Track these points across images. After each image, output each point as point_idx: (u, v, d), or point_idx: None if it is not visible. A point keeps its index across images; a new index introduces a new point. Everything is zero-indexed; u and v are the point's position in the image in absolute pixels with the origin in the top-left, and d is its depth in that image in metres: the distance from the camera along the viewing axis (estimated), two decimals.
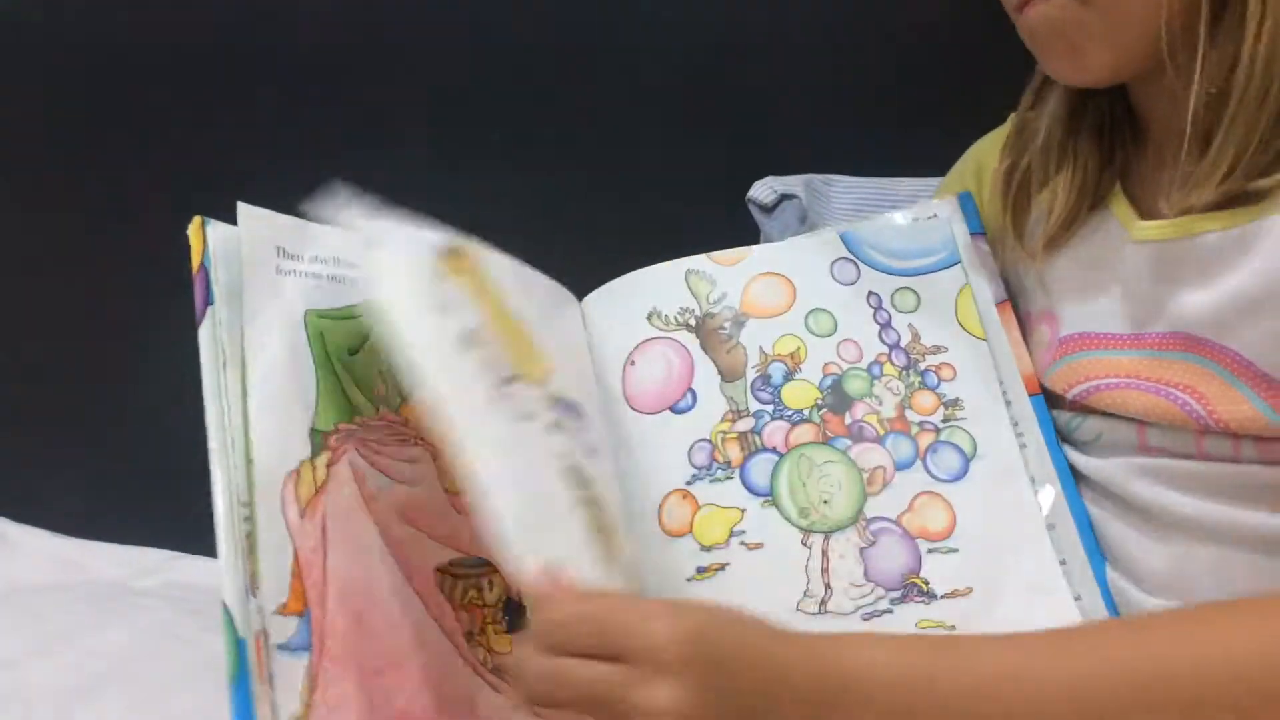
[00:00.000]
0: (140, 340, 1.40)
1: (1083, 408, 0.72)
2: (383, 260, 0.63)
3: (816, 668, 0.55)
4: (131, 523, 1.39)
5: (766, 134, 1.16)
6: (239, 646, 0.55)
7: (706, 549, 0.72)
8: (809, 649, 0.56)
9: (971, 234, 0.83)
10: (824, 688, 0.54)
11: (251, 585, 0.56)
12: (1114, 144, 0.74)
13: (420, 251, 0.66)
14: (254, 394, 0.61)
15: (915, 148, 0.94)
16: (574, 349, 0.79)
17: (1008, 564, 0.72)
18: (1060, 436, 0.74)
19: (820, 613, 0.69)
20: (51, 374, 1.42)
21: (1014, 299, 0.80)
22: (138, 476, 1.40)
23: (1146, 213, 0.71)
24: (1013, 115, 0.79)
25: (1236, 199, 0.62)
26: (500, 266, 0.73)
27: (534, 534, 0.55)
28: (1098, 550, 0.73)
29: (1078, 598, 0.71)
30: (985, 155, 0.84)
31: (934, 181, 0.93)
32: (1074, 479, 0.75)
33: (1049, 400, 0.75)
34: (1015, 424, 0.76)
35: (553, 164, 1.21)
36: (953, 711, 0.55)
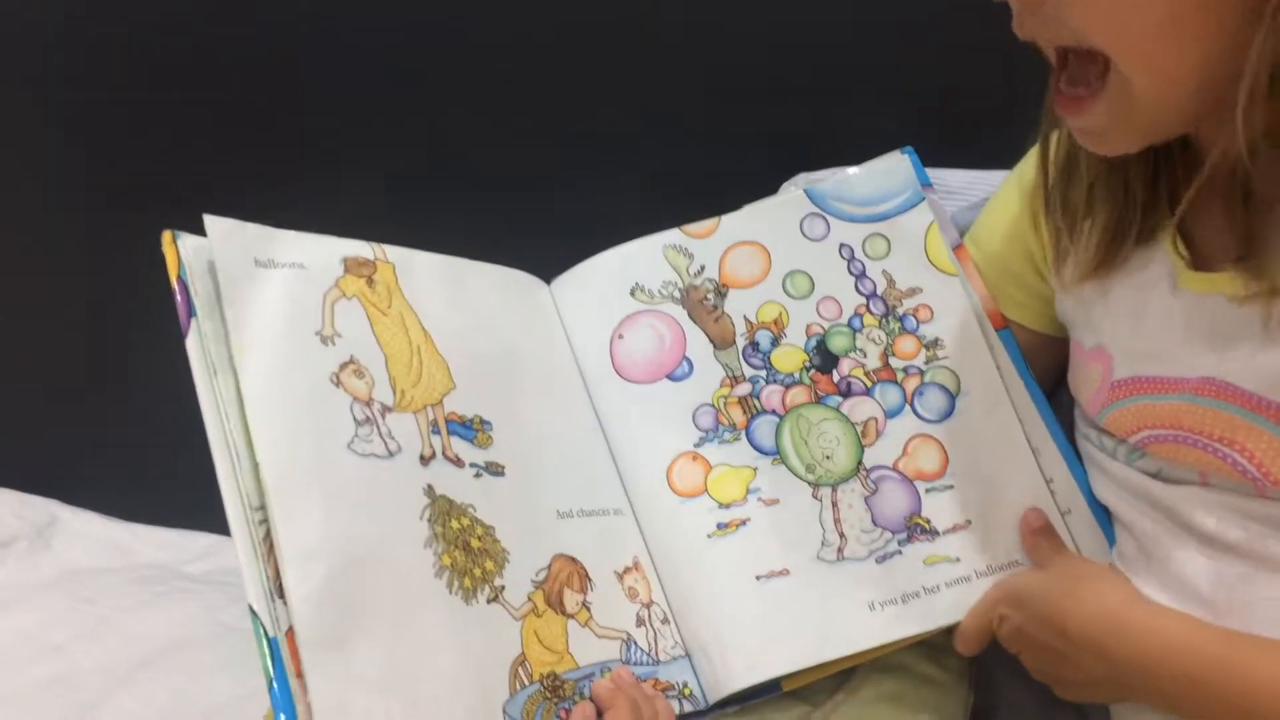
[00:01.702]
0: None
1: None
2: (275, 288, 0.63)
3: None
4: (182, 506, 1.33)
5: (795, 130, 1.09)
6: (272, 646, 0.54)
7: (724, 506, 0.71)
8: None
9: (921, 185, 0.80)
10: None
11: (276, 586, 0.55)
12: (1163, 172, 0.65)
13: (319, 272, 0.66)
14: (250, 399, 0.59)
15: (949, 142, 0.88)
16: (534, 335, 0.76)
17: (999, 493, 0.72)
18: (1115, 458, 0.69)
19: (839, 560, 0.70)
20: (104, 356, 1.38)
21: (1070, 326, 0.73)
22: (189, 460, 1.38)
23: (1199, 253, 0.63)
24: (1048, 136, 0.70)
25: None
26: (431, 272, 0.72)
27: (349, 587, 0.57)
28: (1080, 465, 0.72)
29: (1067, 512, 0.71)
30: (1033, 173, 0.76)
31: (973, 175, 0.89)
32: (1049, 404, 0.74)
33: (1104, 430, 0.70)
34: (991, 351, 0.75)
35: (575, 163, 1.16)
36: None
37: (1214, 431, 0.60)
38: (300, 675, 0.54)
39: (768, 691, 0.69)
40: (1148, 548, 0.65)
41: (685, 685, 0.68)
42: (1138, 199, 0.65)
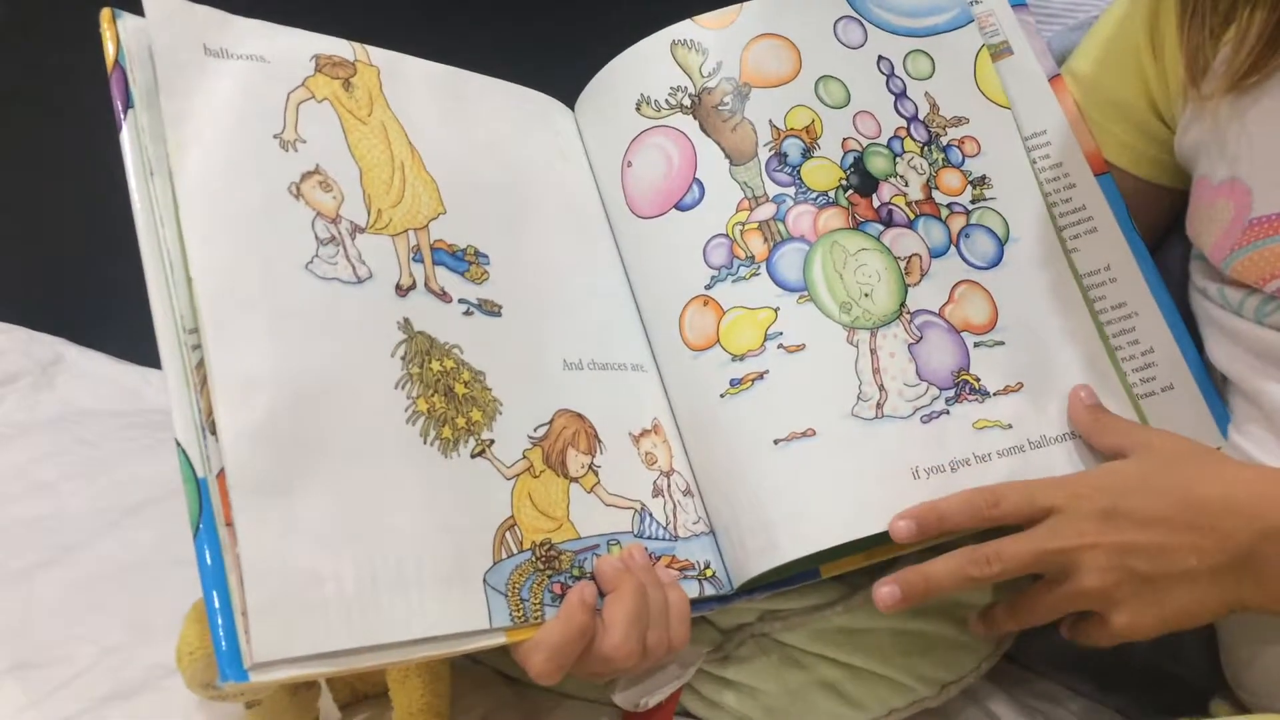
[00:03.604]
0: None
1: None
2: (227, 82, 0.54)
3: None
4: None
5: None
6: (200, 488, 0.46)
7: (738, 358, 0.59)
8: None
9: (1014, 5, 0.68)
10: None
11: (210, 422, 0.47)
12: None
13: (283, 68, 0.56)
14: (186, 202, 0.50)
15: None
16: (549, 164, 0.66)
17: (1054, 355, 0.61)
18: (1242, 314, 0.58)
19: (878, 417, 0.57)
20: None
21: (1194, 162, 0.62)
22: None
23: None
24: None
25: None
26: (426, 81, 0.62)
27: (298, 425, 0.48)
28: (1187, 333, 0.62)
29: (1169, 387, 0.61)
30: None
31: None
32: (1153, 262, 0.64)
33: (1229, 282, 0.59)
34: (1082, 208, 0.64)
35: None
36: None
37: None
38: (230, 524, 0.45)
39: (805, 577, 0.58)
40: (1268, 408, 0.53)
41: (707, 566, 0.57)
42: None
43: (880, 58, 0.66)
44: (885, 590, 0.53)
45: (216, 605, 0.44)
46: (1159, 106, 0.64)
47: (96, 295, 1.32)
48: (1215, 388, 0.60)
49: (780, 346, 0.59)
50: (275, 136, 0.54)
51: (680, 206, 0.62)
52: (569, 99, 0.68)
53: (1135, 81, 0.64)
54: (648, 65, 0.64)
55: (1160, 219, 0.66)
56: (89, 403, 1.22)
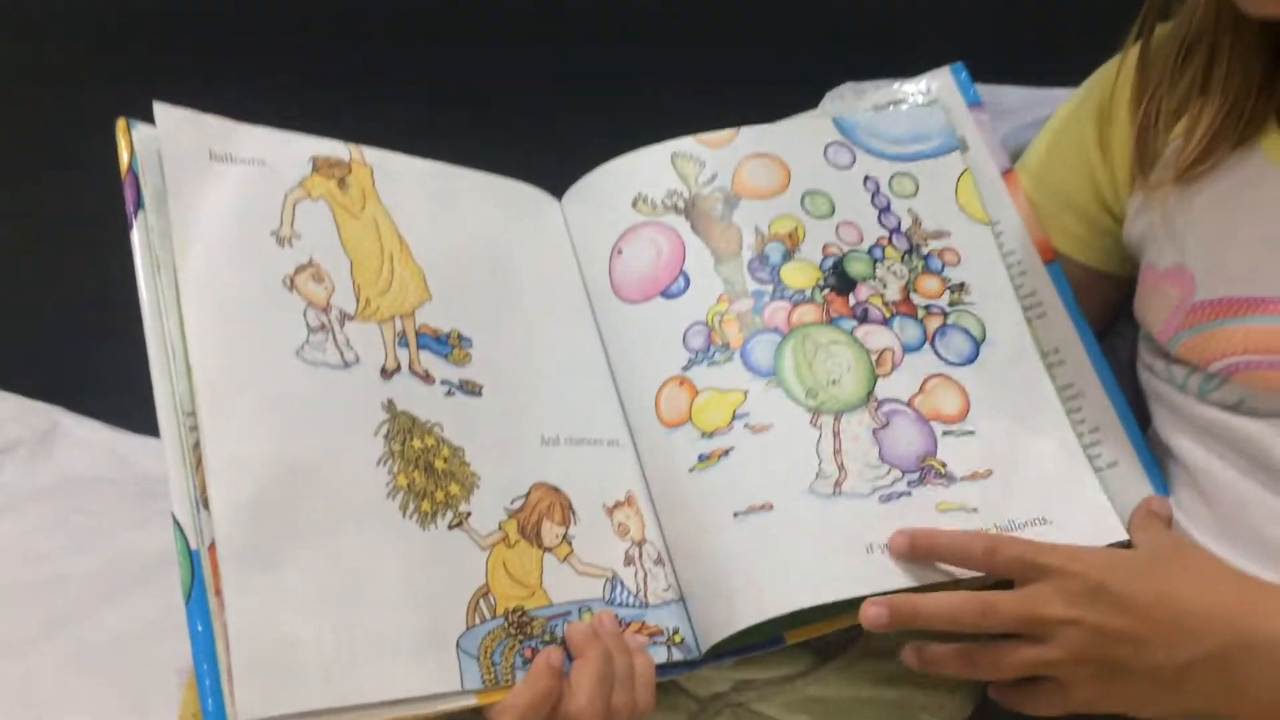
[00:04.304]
0: None
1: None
2: (229, 184, 0.58)
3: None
4: None
5: (837, 31, 1.01)
6: (193, 559, 0.50)
7: (707, 435, 0.62)
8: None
9: (969, 105, 0.73)
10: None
11: (202, 498, 0.51)
12: (1276, 63, 0.58)
13: (282, 170, 0.61)
14: (187, 296, 0.55)
15: (1018, 51, 0.83)
16: (535, 252, 0.70)
17: (1025, 445, 0.64)
18: (1186, 391, 0.62)
19: (835, 494, 0.60)
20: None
21: (1142, 250, 0.66)
22: None
23: None
24: (1138, 40, 0.64)
25: None
26: (416, 177, 0.66)
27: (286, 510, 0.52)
28: (1130, 411, 0.65)
29: (1114, 464, 0.64)
30: (1109, 85, 0.68)
31: (1032, 93, 0.82)
32: (1098, 345, 0.67)
33: (1174, 360, 0.63)
34: (1033, 293, 0.68)
35: (598, 68, 1.11)
36: None
37: None
38: (219, 593, 0.49)
39: (770, 643, 0.61)
40: (1215, 495, 0.57)
41: (676, 631, 0.60)
42: (1255, 84, 0.57)
43: (867, 177, 0.71)
44: (873, 611, 0.55)
45: (205, 668, 0.48)
46: (1106, 200, 0.68)
47: (93, 362, 1.35)
48: (1156, 464, 0.64)
49: (746, 426, 0.63)
50: (273, 233, 0.59)
51: (666, 294, 0.67)
52: (551, 189, 0.74)
53: (1084, 176, 0.69)
54: (647, 169, 0.70)
55: (1107, 302, 0.70)
56: (86, 471, 1.23)
